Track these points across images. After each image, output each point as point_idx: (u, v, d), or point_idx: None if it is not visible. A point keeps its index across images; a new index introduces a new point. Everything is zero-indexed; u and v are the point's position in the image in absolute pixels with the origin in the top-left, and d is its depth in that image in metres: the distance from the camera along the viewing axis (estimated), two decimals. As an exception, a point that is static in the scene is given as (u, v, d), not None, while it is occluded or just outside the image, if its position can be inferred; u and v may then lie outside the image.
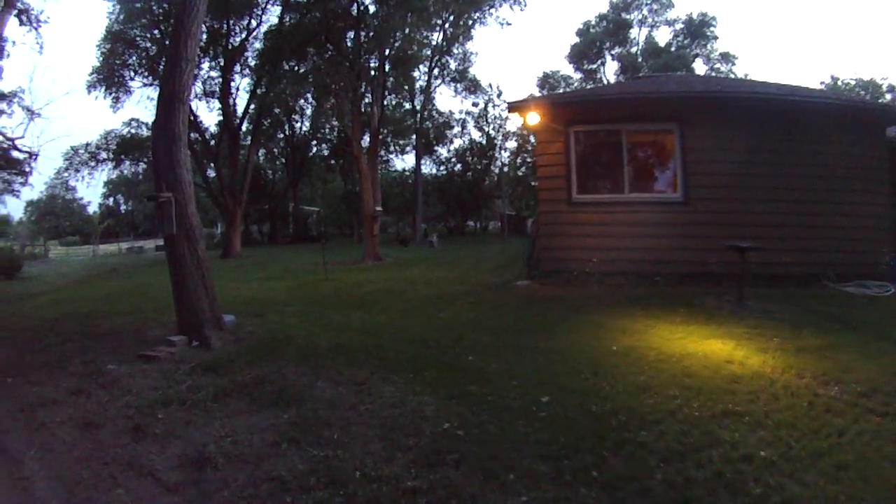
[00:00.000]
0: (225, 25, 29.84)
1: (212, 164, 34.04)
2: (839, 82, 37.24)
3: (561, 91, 42.64)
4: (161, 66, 20.55)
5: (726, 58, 46.07)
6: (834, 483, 3.49)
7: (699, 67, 44.83)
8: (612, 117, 12.12)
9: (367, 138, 25.06)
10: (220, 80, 31.63)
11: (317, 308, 10.16)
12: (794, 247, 10.80)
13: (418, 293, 11.88)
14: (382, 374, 5.83)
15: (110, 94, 30.23)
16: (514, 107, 12.78)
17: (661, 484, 3.52)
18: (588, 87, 43.59)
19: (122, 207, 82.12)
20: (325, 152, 50.33)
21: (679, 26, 47.67)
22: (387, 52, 24.03)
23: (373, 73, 24.37)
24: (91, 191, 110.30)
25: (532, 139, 40.89)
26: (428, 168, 48.67)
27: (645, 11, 48.17)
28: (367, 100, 24.74)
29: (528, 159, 44.31)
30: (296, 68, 27.45)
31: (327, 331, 8.03)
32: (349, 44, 24.01)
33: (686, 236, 11.19)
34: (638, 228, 11.46)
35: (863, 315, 8.11)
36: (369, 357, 6.49)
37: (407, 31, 24.00)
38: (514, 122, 45.82)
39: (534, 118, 12.08)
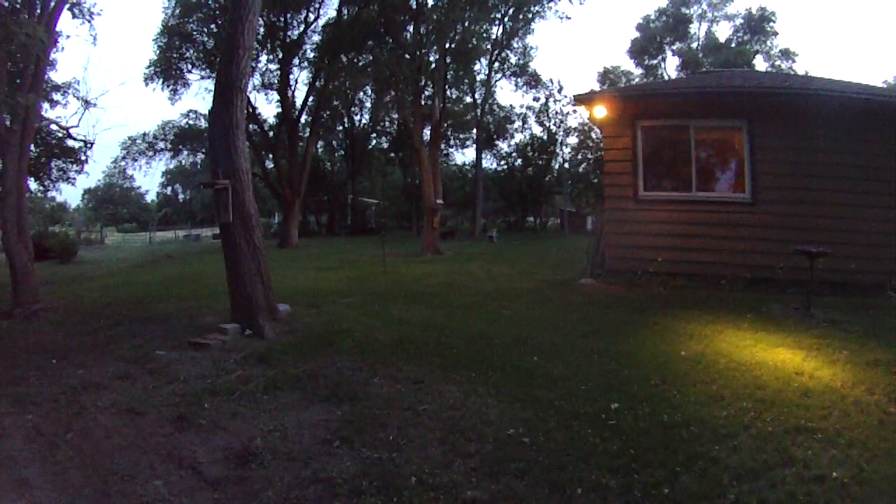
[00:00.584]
0: (283, 19, 30.31)
1: (270, 156, 34.64)
2: None
3: (622, 86, 41.88)
4: (218, 59, 21.21)
5: (787, 54, 44.73)
6: None
7: (759, 64, 43.58)
8: (679, 112, 11.86)
9: (427, 131, 25.08)
10: (279, 72, 32.12)
11: (375, 301, 10.13)
12: (859, 254, 10.33)
13: (480, 288, 11.85)
14: (443, 373, 5.73)
15: (168, 86, 31.01)
16: (580, 99, 12.64)
17: None
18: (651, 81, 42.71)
19: (180, 196, 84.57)
20: (385, 145, 50.60)
21: (739, 21, 46.53)
22: (447, 45, 23.91)
23: (433, 66, 24.31)
24: (149, 180, 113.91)
25: (594, 135, 40.51)
26: (488, 162, 48.65)
27: (704, 6, 47.18)
28: (427, 92, 24.75)
29: (590, 156, 43.74)
30: (355, 60, 27.64)
31: (385, 325, 7.97)
32: (409, 37, 24.01)
33: (753, 239, 10.89)
34: (704, 228, 11.20)
35: None
36: (429, 354, 6.41)
37: (467, 23, 23.85)
38: (575, 118, 45.18)
39: (601, 111, 11.95)
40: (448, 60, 24.83)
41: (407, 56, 23.34)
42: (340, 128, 48.09)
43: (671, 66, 47.61)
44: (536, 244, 28.43)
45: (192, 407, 4.84)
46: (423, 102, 24.32)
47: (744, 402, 4.88)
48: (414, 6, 23.37)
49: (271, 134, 34.98)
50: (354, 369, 5.85)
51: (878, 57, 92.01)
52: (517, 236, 38.10)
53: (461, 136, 46.70)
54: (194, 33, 30.02)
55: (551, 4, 32.27)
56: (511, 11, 33.09)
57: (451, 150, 48.04)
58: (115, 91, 69.08)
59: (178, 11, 29.21)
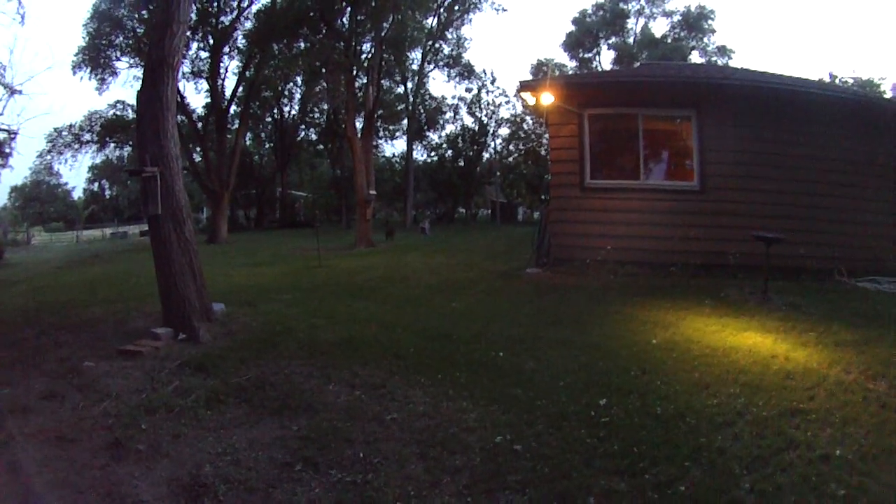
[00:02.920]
0: (216, 4, 29.22)
1: (198, 148, 33.38)
2: (837, 80, 37.08)
3: (570, 74, 42.28)
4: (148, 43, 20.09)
5: (723, 51, 45.95)
6: None
7: (695, 60, 44.53)
8: (628, 101, 11.86)
9: (360, 122, 24.60)
10: (209, 60, 30.92)
11: (314, 297, 9.65)
12: (806, 240, 10.56)
13: (422, 281, 11.55)
14: (404, 375, 5.27)
15: (96, 75, 29.59)
16: (526, 86, 12.49)
17: (752, 494, 3.23)
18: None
19: (107, 192, 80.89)
20: (314, 137, 49.77)
21: (677, 18, 47.46)
22: (382, 32, 23.53)
23: (367, 55, 23.84)
24: (75, 175, 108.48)
25: (525, 126, 40.72)
26: (419, 154, 48.32)
27: (643, 2, 47.89)
28: (360, 82, 24.25)
29: (521, 146, 44.02)
30: (288, 49, 26.84)
31: (331, 323, 7.45)
32: (344, 24, 23.44)
33: (701, 226, 10.98)
34: (653, 216, 11.21)
35: (885, 310, 7.86)
36: (385, 354, 5.92)
37: (404, 11, 23.48)
38: (508, 109, 45.29)
39: (547, 98, 11.75)
40: (383, 49, 24.37)
41: (341, 44, 22.69)
42: (269, 119, 47.07)
43: (606, 60, 48.39)
44: (470, 235, 28.22)
45: (128, 429, 4.20)
46: (356, 92, 23.75)
47: (731, 388, 4.76)
48: None
49: (200, 125, 33.73)
50: (305, 375, 5.31)
51: (815, 55, 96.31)
52: (449, 227, 37.92)
53: (391, 127, 46.16)
54: (125, 19, 28.65)
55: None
56: (447, 2, 32.75)
57: (380, 141, 47.52)
58: (41, 76, 64.28)
59: None
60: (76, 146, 33.81)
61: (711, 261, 10.73)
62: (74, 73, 29.39)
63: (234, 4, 29.86)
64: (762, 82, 11.92)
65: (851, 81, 36.69)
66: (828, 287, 9.67)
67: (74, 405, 4.72)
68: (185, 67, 31.01)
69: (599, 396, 4.66)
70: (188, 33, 28.67)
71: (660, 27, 48.88)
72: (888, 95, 33.51)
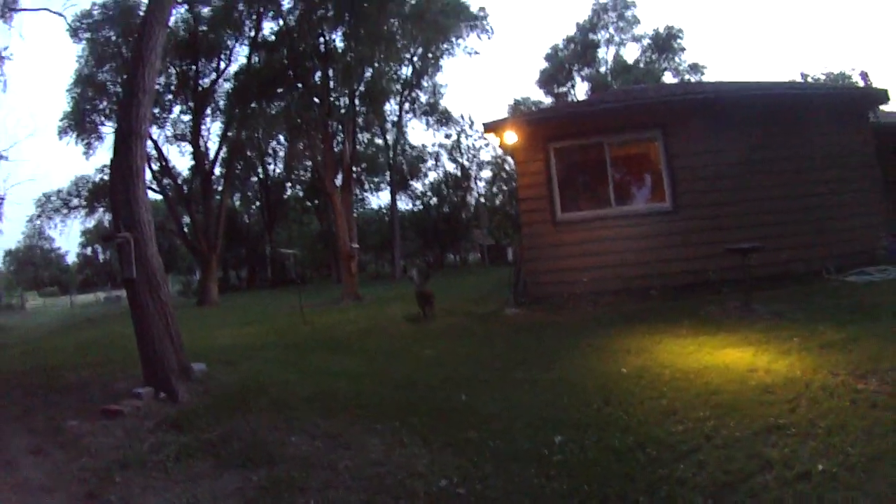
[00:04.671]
0: (194, 67, 29.43)
1: (185, 210, 33.33)
2: (809, 78, 37.39)
3: (531, 110, 42.66)
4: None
5: (695, 68, 46.13)
6: None
7: (668, 80, 44.75)
8: (592, 130, 11.77)
9: (340, 176, 24.55)
10: (192, 123, 31.01)
11: (293, 353, 9.53)
12: (790, 244, 10.49)
13: (401, 330, 11.27)
14: (364, 425, 5.14)
15: (82, 139, 29.65)
16: (490, 127, 12.37)
17: None
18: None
19: (100, 257, 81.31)
20: (300, 193, 49.85)
21: (646, 42, 47.89)
22: (356, 87, 23.72)
23: (343, 109, 24.02)
24: (66, 240, 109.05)
25: (507, 166, 40.83)
26: (404, 203, 48.24)
27: (612, 30, 48.29)
28: (339, 138, 24.33)
29: (505, 187, 44.10)
30: (266, 109, 27.06)
31: (303, 377, 7.37)
32: (318, 80, 23.65)
33: (678, 245, 10.82)
34: (628, 242, 11.03)
35: (874, 301, 7.70)
36: (348, 405, 5.80)
37: (376, 65, 23.75)
38: (487, 151, 45.54)
39: (511, 137, 11.70)
40: (357, 103, 24.58)
41: (316, 100, 22.85)
42: (255, 178, 47.19)
43: (581, 92, 48.59)
44: (457, 280, 27.96)
45: (103, 482, 4.35)
46: (334, 147, 23.81)
47: (700, 412, 4.44)
48: (322, 50, 23.11)
49: (185, 188, 33.72)
50: (270, 428, 5.25)
51: (786, 58, 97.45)
52: (438, 274, 37.65)
53: (375, 179, 46.31)
54: (108, 83, 28.71)
55: (460, 41, 32.57)
56: (420, 50, 33.18)
57: (365, 194, 47.67)
58: (25, 144, 65.14)
59: (91, 61, 28.01)
60: (65, 211, 33.83)
61: (692, 280, 10.51)
62: (61, 137, 29.39)
63: (213, 66, 30.15)
64: (723, 92, 11.92)
65: (823, 78, 36.92)
66: (814, 288, 9.45)
67: (56, 460, 4.94)
68: (168, 131, 31.32)
69: (555, 433, 4.34)
70: (169, 97, 29.02)
71: (631, 53, 49.31)
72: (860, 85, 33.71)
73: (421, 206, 48.11)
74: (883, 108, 12.72)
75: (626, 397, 5.08)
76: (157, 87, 26.80)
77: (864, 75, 14.87)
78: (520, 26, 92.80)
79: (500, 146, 13.25)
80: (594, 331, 8.41)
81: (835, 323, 6.66)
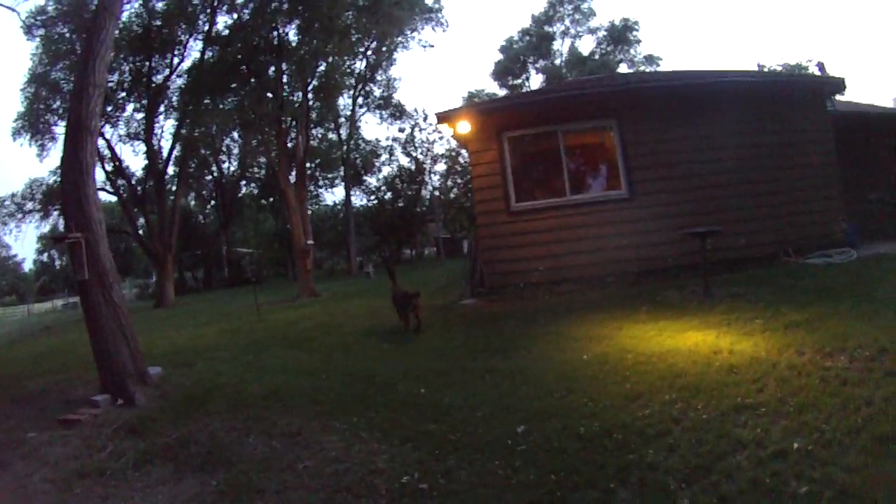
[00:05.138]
0: (148, 64, 28.55)
1: (139, 211, 32.44)
2: (765, 69, 38.09)
3: (485, 99, 42.54)
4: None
5: (651, 60, 46.33)
6: (884, 458, 3.07)
7: (623, 71, 45.19)
8: (546, 119, 11.58)
9: (294, 172, 24.13)
10: (145, 121, 30.14)
11: (249, 352, 9.26)
12: (748, 229, 10.53)
13: (359, 325, 11.01)
14: (322, 422, 5.01)
15: (35, 140, 28.62)
16: (443, 117, 12.07)
17: None
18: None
19: (57, 263, 78.96)
20: (255, 191, 48.98)
21: (602, 34, 47.99)
22: (310, 81, 23.35)
23: (297, 103, 23.60)
24: (24, 247, 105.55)
25: (461, 159, 40.62)
26: (359, 199, 47.71)
27: (567, 23, 48.25)
28: (293, 133, 23.90)
29: (459, 180, 43.88)
30: (219, 104, 26.43)
31: (260, 376, 7.16)
32: (272, 74, 23.19)
33: (635, 233, 10.70)
34: (584, 230, 10.91)
35: (836, 282, 7.77)
36: (306, 402, 5.65)
37: (331, 59, 23.40)
38: (441, 145, 45.15)
39: (464, 127, 11.47)
40: (311, 97, 24.23)
41: (269, 95, 22.45)
42: (209, 177, 46.10)
43: (535, 84, 48.39)
44: (414, 274, 27.63)
45: (63, 493, 4.31)
46: (287, 142, 23.37)
47: (665, 395, 4.38)
48: (276, 44, 22.61)
49: (140, 189, 32.65)
50: (228, 430, 5.12)
51: (741, 51, 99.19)
52: (395, 269, 37.15)
53: (329, 175, 45.65)
54: (62, 82, 27.48)
55: (414, 34, 32.39)
56: (374, 44, 32.83)
57: (320, 190, 47.00)
58: None
59: (45, 58, 26.93)
60: (19, 216, 32.59)
61: (650, 266, 10.46)
62: (14, 138, 28.42)
63: (167, 62, 29.25)
64: (678, 80, 11.91)
65: (780, 69, 37.59)
66: (774, 271, 9.49)
67: (18, 473, 4.87)
68: (122, 129, 30.43)
69: (518, 423, 4.23)
70: (122, 94, 28.41)
71: (587, 45, 49.45)
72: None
73: (376, 202, 47.70)
74: (840, 98, 12.93)
75: (588, 384, 4.98)
76: (110, 84, 26.02)
77: (820, 66, 15.21)
78: (475, 19, 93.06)
79: (453, 136, 13.04)
80: (552, 319, 8.30)
81: (797, 304, 6.65)
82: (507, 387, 5.27)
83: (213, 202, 50.01)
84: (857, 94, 77.89)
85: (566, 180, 11.30)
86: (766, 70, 36.59)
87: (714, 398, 4.13)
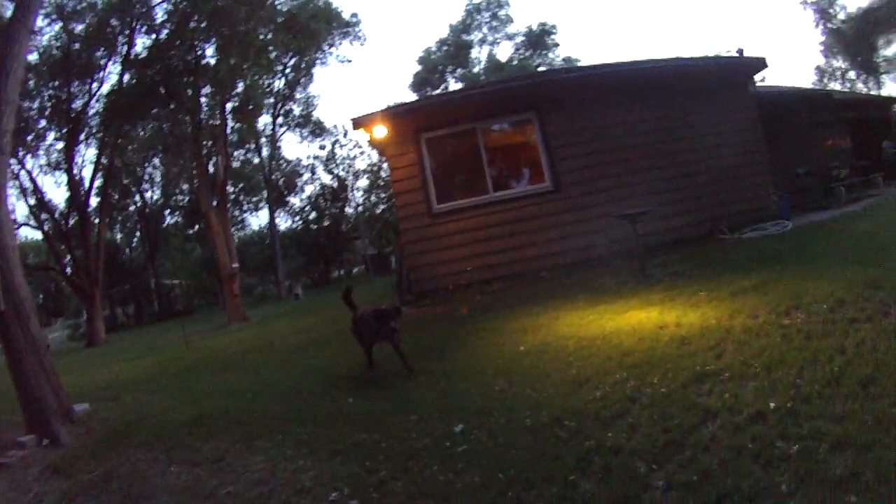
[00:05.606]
0: (67, 90, 26.95)
1: (65, 247, 30.75)
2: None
3: (400, 103, 42.26)
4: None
5: (569, 62, 46.76)
6: (871, 400, 2.94)
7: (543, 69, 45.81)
8: (464, 117, 11.32)
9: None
10: (65, 149, 28.51)
11: (177, 380, 8.86)
12: (680, 210, 10.57)
13: (288, 344, 10.56)
14: (246, 443, 4.62)
15: None
16: (359, 123, 11.63)
17: (673, 491, 2.55)
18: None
19: None
20: (180, 220, 47.29)
21: (520, 39, 48.46)
22: (228, 100, 23.00)
23: (215, 124, 23.15)
24: None
25: (384, 173, 40.19)
26: (284, 221, 46.68)
27: (485, 30, 48.56)
28: (214, 159, 23.21)
29: (383, 195, 43.44)
30: (139, 129, 25.45)
31: (186, 402, 6.72)
32: (190, 95, 22.55)
33: (565, 224, 10.58)
34: (510, 227, 10.70)
35: (776, 250, 7.79)
36: (231, 424, 5.23)
37: (249, 78, 23.06)
38: (363, 160, 44.63)
39: (381, 131, 11.08)
40: (229, 118, 23.76)
41: (188, 116, 21.85)
42: (133, 207, 44.41)
43: (454, 92, 48.80)
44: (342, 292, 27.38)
45: None
46: (208, 165, 22.66)
47: (615, 375, 4.09)
48: (194, 63, 22.06)
49: (63, 223, 30.96)
50: (151, 461, 4.78)
51: (661, 49, 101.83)
52: (324, 289, 37.01)
53: (254, 199, 44.57)
54: None
55: (332, 49, 32.15)
56: (292, 60, 32.33)
57: (245, 215, 45.99)
58: None
59: None
60: None
61: (583, 256, 10.28)
62: None
63: (86, 88, 27.58)
64: (596, 70, 11.84)
65: None
66: (711, 248, 9.48)
67: None
68: (42, 159, 28.98)
69: (455, 423, 3.84)
70: (43, 123, 27.17)
71: (505, 51, 49.82)
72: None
73: (301, 222, 46.72)
74: (769, 83, 13.18)
75: (530, 374, 4.67)
76: (31, 112, 25.20)
77: (739, 52, 15.76)
78: (395, 33, 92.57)
79: (369, 143, 12.67)
80: (486, 317, 7.98)
81: (741, 272, 6.58)
82: (443, 387, 4.91)
83: (138, 234, 48.12)
84: (782, 78, 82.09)
85: (488, 178, 11.07)
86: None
87: (670, 371, 3.87)
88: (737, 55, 14.01)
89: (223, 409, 5.85)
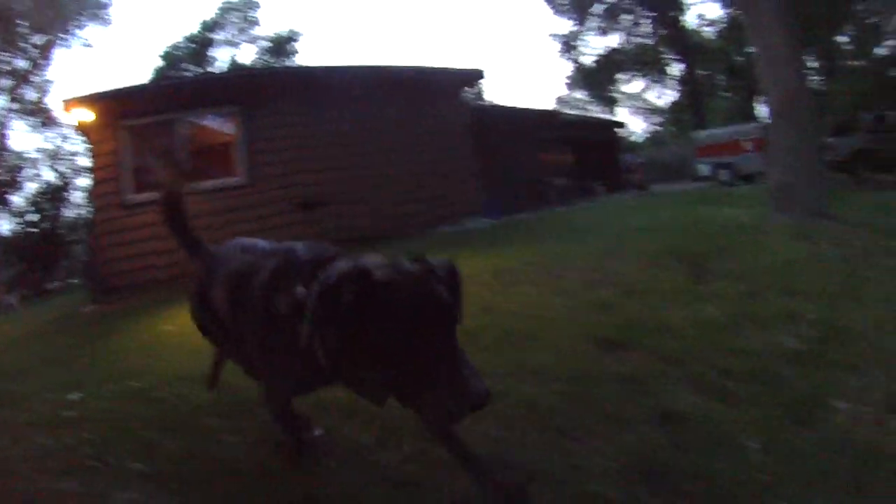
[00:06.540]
0: None
1: None
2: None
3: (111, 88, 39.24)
4: None
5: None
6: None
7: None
8: (167, 107, 11.25)
9: None
10: None
11: None
12: (375, 206, 11.43)
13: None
14: None
15: None
16: (68, 105, 11.16)
17: None
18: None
19: None
20: None
21: (264, 44, 47.88)
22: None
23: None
24: None
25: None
26: (5, 223, 40.52)
27: (234, 31, 47.38)
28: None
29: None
30: None
31: None
32: None
33: (255, 218, 10.72)
34: (204, 220, 10.65)
35: (471, 240, 8.72)
36: None
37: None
38: (87, 156, 40.45)
39: (85, 115, 10.83)
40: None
41: None
42: None
43: (189, 90, 46.59)
44: (55, 299, 24.29)
45: None
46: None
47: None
48: None
49: None
50: None
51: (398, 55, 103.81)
52: (41, 298, 32.43)
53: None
54: None
55: (77, 31, 30.20)
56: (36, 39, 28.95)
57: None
58: None
59: None
60: None
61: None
62: None
63: None
64: (308, 71, 12.99)
65: None
66: (408, 242, 9.68)
67: None
68: None
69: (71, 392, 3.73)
70: None
71: (248, 55, 48.80)
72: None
73: (23, 225, 40.95)
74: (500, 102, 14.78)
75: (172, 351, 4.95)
76: None
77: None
78: (147, 24, 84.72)
79: (77, 128, 12.05)
80: (152, 311, 8.03)
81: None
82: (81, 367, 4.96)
83: None
84: (518, 98, 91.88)
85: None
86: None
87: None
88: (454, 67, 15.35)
89: None
